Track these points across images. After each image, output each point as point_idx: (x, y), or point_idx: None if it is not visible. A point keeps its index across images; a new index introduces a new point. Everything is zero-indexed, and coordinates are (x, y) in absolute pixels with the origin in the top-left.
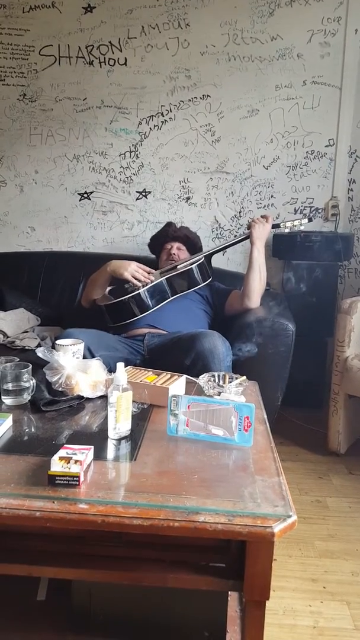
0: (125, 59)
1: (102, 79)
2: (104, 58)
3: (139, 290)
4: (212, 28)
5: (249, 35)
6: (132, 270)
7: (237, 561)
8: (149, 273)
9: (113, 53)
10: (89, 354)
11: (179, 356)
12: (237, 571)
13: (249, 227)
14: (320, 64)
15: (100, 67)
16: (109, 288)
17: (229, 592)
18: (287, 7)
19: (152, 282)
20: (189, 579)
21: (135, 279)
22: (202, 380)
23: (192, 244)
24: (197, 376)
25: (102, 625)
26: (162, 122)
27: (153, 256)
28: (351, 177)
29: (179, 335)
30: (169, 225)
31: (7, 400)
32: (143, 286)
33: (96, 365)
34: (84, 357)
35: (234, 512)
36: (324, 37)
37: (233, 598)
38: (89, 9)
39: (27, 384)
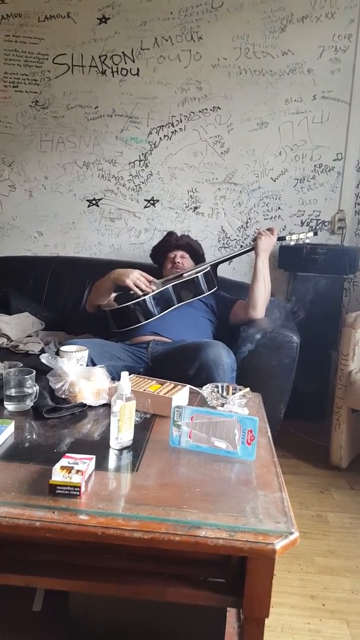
0: (138, 70)
1: (114, 89)
2: (117, 68)
3: (145, 297)
4: (224, 41)
5: (260, 49)
6: (134, 278)
7: (237, 577)
8: (150, 282)
9: (126, 63)
10: (92, 364)
11: (182, 365)
12: (236, 587)
13: (255, 239)
14: (330, 80)
15: (113, 76)
16: (114, 294)
17: (228, 608)
18: (298, 23)
19: (156, 290)
20: (188, 594)
21: (137, 286)
22: (206, 391)
23: (194, 251)
24: (200, 386)
25: (99, 637)
26: (172, 132)
27: (157, 266)
28: (358, 191)
29: (183, 344)
30: (171, 234)
31: (10, 406)
32: (146, 294)
33: (100, 373)
34: None
35: (236, 527)
36: (334, 54)
37: (231, 614)
38: (103, 20)
39: (30, 390)
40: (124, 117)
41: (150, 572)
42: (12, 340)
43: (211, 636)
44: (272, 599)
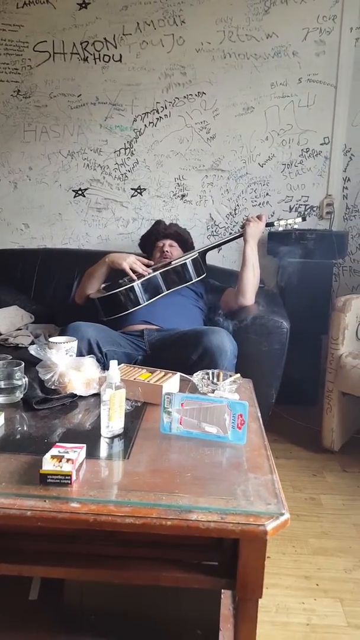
0: (120, 56)
1: (97, 76)
2: (99, 54)
3: (133, 284)
4: (207, 25)
5: (244, 32)
6: (131, 262)
7: (230, 559)
8: (147, 266)
9: (108, 49)
10: (97, 348)
11: (184, 351)
12: (230, 569)
13: (243, 226)
14: (316, 62)
15: (95, 63)
16: (103, 284)
17: (222, 590)
18: (282, 5)
19: (146, 276)
20: (182, 578)
21: (133, 271)
22: (197, 377)
23: (183, 240)
24: None
25: (94, 624)
26: (157, 119)
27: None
28: (346, 176)
29: (182, 330)
30: (159, 223)
31: None
32: (138, 279)
33: (89, 363)
34: (91, 352)
35: (227, 510)
36: (319, 35)
37: (226, 596)
38: (83, 5)
39: (19, 382)
40: (108, 104)
41: (144, 558)
42: (1, 334)
43: (206, 618)
44: (267, 580)
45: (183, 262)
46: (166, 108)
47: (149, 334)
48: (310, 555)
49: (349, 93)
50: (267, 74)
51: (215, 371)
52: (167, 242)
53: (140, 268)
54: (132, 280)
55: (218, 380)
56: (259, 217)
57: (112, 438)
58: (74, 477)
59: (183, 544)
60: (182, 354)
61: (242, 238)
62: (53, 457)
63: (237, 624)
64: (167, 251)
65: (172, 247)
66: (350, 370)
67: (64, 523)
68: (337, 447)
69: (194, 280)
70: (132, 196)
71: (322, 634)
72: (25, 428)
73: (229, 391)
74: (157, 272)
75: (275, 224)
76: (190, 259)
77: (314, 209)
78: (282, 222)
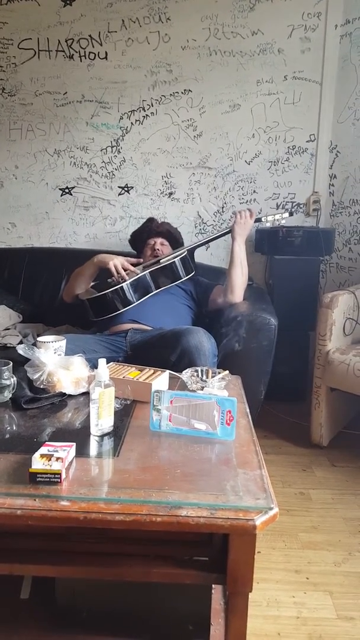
0: (106, 53)
1: (83, 73)
2: (84, 52)
3: (122, 284)
4: (193, 22)
5: (229, 29)
6: (117, 262)
7: (220, 554)
8: (134, 267)
9: (93, 47)
10: None
11: (164, 352)
12: (220, 564)
13: (234, 223)
14: (301, 59)
15: (81, 61)
16: (92, 283)
17: (213, 585)
18: (267, 2)
19: (135, 276)
20: (173, 574)
21: (117, 271)
22: (186, 375)
23: (174, 239)
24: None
25: (86, 621)
26: (144, 116)
27: (135, 252)
28: (332, 172)
29: (162, 331)
30: (151, 220)
31: None
32: (124, 281)
33: (78, 362)
34: None
35: (216, 505)
36: (304, 33)
37: (217, 591)
38: (68, 2)
39: (7, 382)
40: (94, 102)
41: (135, 555)
42: None
43: (198, 613)
44: (258, 574)
45: (172, 260)
46: (152, 106)
47: (132, 335)
48: (300, 549)
49: (334, 90)
50: (252, 71)
51: (205, 368)
52: (159, 240)
53: (123, 271)
54: (123, 280)
55: (207, 377)
56: (250, 212)
57: (101, 436)
58: (63, 476)
59: (173, 540)
60: (161, 355)
61: (229, 235)
62: (42, 455)
63: (227, 619)
64: (158, 249)
65: (164, 245)
66: (338, 366)
67: (55, 521)
68: (326, 442)
69: (183, 279)
70: (120, 194)
71: (312, 626)
72: (14, 427)
73: (218, 388)
74: (147, 271)
75: (263, 219)
76: (179, 258)
77: (301, 206)
78: (270, 218)
